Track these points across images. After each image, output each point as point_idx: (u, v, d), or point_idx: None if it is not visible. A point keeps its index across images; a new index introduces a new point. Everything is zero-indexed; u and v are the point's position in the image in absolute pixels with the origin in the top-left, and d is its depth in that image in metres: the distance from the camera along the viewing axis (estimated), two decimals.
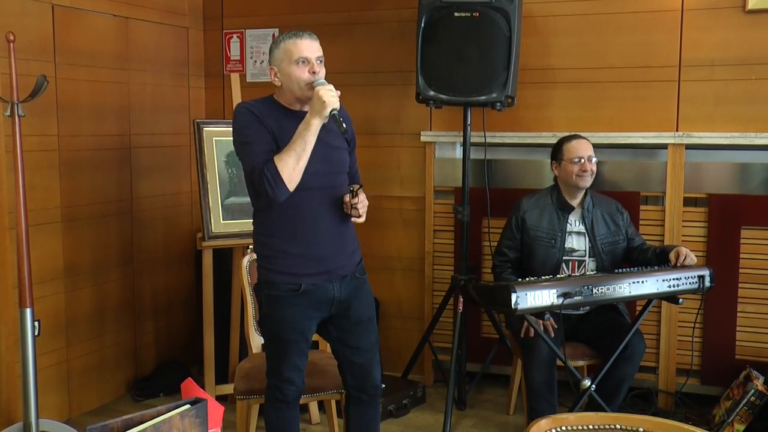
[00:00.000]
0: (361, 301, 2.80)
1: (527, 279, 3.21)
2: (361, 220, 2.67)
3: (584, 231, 3.54)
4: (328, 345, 2.94)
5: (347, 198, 2.65)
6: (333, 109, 2.51)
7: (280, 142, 2.57)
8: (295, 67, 2.60)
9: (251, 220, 2.78)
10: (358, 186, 2.67)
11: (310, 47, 2.62)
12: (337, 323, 2.78)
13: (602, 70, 4.00)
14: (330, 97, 2.51)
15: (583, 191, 3.57)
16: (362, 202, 2.65)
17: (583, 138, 3.59)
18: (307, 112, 2.62)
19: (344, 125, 2.55)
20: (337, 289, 2.71)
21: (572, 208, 3.56)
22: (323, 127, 2.56)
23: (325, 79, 2.64)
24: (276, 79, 2.66)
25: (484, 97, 3.71)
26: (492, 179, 4.12)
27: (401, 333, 4.45)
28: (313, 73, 2.60)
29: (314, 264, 2.67)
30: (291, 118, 2.62)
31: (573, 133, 3.67)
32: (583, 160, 3.49)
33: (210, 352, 3.90)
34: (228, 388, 3.85)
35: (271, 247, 2.68)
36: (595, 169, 3.52)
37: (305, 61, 2.60)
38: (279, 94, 2.71)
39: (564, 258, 3.52)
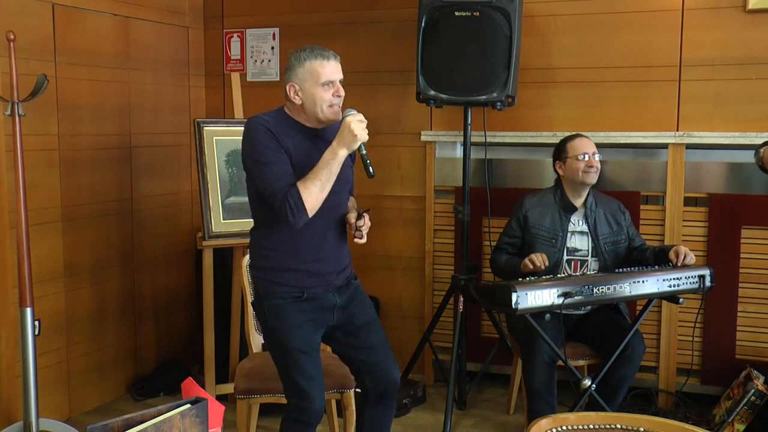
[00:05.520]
0: (361, 304, 2.82)
1: (527, 278, 3.21)
2: (363, 241, 2.67)
3: (587, 231, 3.54)
4: (328, 347, 2.94)
5: (352, 220, 2.67)
6: (362, 143, 2.55)
7: (295, 160, 2.57)
8: (320, 89, 2.58)
9: (251, 220, 2.77)
10: (367, 209, 2.70)
11: (336, 70, 2.62)
12: (343, 328, 2.79)
13: (603, 69, 4.00)
14: (360, 130, 2.52)
15: (587, 190, 3.57)
16: (366, 225, 2.66)
17: (586, 136, 3.61)
18: (322, 129, 2.65)
19: (371, 169, 2.57)
20: (337, 296, 2.74)
21: (575, 209, 3.56)
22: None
23: None
24: (297, 97, 2.61)
25: (484, 97, 3.71)
26: (492, 179, 4.12)
27: (401, 332, 4.45)
28: (338, 96, 2.60)
29: (314, 279, 2.69)
30: (307, 136, 2.63)
31: (575, 133, 3.68)
32: (588, 157, 3.50)
33: (210, 351, 3.90)
34: (228, 388, 3.85)
35: (274, 261, 2.68)
36: (599, 165, 3.53)
37: (331, 83, 2.60)
38: (293, 110, 2.67)
39: (567, 258, 3.53)
